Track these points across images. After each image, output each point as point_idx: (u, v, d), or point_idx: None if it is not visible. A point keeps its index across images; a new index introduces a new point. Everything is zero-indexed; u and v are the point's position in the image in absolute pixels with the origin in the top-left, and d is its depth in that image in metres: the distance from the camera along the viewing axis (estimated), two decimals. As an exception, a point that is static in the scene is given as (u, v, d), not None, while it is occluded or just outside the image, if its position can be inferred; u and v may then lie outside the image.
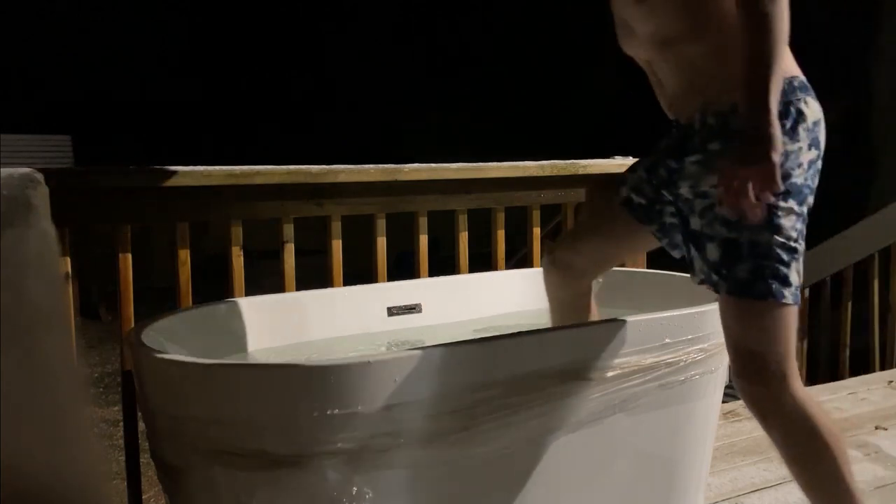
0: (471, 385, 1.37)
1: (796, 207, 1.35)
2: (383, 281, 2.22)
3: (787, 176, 1.33)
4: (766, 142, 1.24)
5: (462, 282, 2.26)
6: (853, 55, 7.92)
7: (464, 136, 9.02)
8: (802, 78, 1.41)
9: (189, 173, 1.94)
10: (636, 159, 1.69)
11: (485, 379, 1.39)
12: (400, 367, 1.32)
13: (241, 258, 2.04)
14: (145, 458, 1.67)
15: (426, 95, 10.39)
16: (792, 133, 1.34)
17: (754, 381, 1.38)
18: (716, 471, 2.19)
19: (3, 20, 8.81)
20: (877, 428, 2.57)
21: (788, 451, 1.42)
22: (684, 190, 1.46)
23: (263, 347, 1.87)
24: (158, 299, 1.99)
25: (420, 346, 2.01)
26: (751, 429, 2.55)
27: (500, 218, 2.44)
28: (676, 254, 1.63)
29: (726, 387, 1.80)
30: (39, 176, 1.38)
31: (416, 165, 2.21)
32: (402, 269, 2.33)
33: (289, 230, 2.09)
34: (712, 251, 1.39)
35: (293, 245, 2.10)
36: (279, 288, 2.05)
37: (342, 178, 2.10)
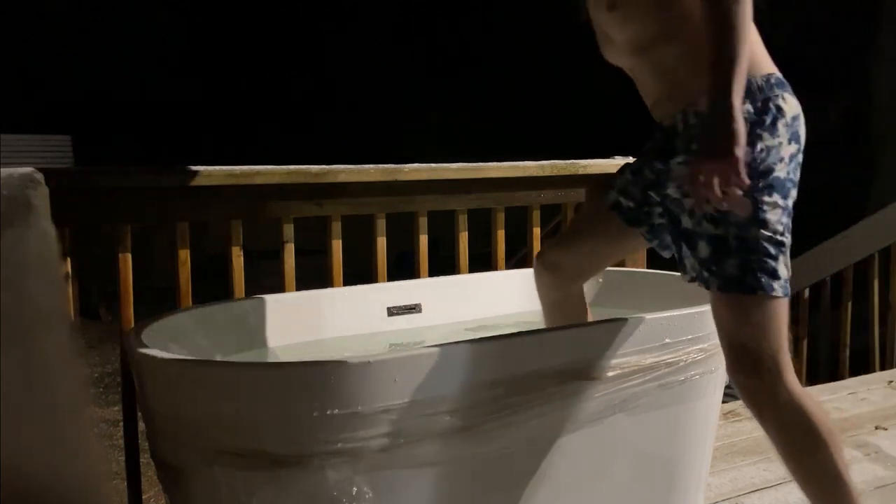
0: (471, 385, 1.38)
1: (780, 201, 1.37)
2: (383, 281, 2.22)
3: (769, 171, 1.36)
4: (729, 136, 1.26)
5: (462, 282, 2.26)
6: (853, 55, 7.93)
7: (464, 136, 9.02)
8: (779, 75, 1.43)
9: (189, 173, 1.94)
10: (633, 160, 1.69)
11: (485, 379, 1.39)
12: (400, 367, 1.32)
13: (241, 258, 2.04)
14: (145, 458, 1.67)
15: (426, 95, 10.40)
16: (772, 129, 1.37)
17: (748, 374, 1.40)
18: (716, 471, 2.19)
19: (3, 20, 8.81)
20: (877, 428, 2.57)
21: (784, 443, 1.43)
22: (672, 190, 1.48)
23: (263, 347, 1.87)
24: (158, 299, 1.99)
25: (420, 346, 2.01)
26: (751, 429, 2.55)
27: (500, 218, 2.44)
28: (666, 254, 1.65)
29: (726, 387, 1.80)
30: (39, 176, 1.38)
31: (416, 165, 2.21)
32: (402, 269, 2.33)
33: (289, 230, 2.09)
34: (702, 249, 1.41)
35: (293, 245, 2.10)
36: (279, 288, 2.05)
37: (342, 178, 2.10)
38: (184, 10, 10.51)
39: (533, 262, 1.75)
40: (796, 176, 1.41)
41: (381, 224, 2.24)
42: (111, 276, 1.87)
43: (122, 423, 1.88)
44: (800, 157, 1.42)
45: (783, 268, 1.38)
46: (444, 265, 2.41)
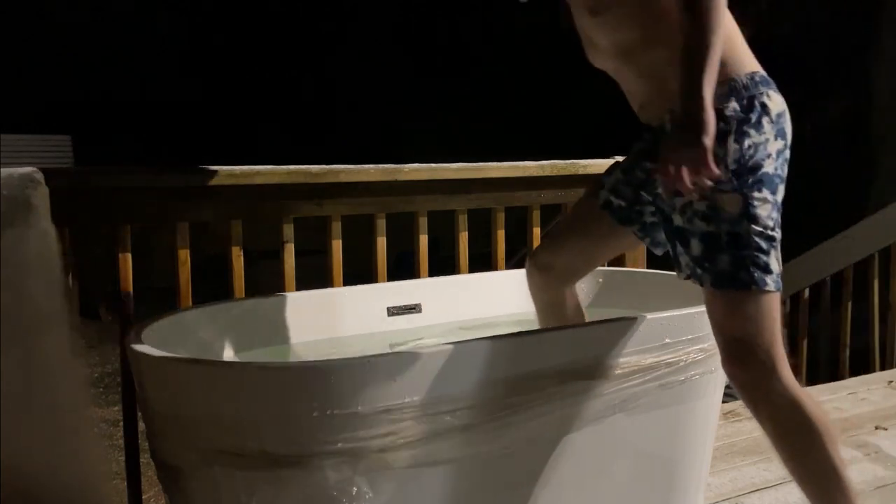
0: (471, 385, 1.38)
1: (770, 197, 1.39)
2: (383, 281, 2.22)
3: (758, 167, 1.38)
4: (699, 126, 1.27)
5: (462, 282, 2.26)
6: (853, 55, 7.92)
7: (464, 136, 9.02)
8: (763, 73, 1.45)
9: (189, 173, 1.94)
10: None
11: (485, 379, 1.39)
12: (400, 367, 1.32)
13: (241, 258, 2.04)
14: (145, 458, 1.67)
15: (426, 95, 10.39)
16: (758, 126, 1.39)
17: (743, 368, 1.41)
18: (716, 471, 2.19)
19: (3, 20, 8.81)
20: (877, 428, 2.57)
21: (780, 437, 1.43)
22: (662, 189, 1.48)
23: (264, 347, 1.87)
24: (158, 299, 1.99)
25: (420, 346, 2.01)
26: (751, 429, 2.54)
27: (500, 218, 2.44)
28: (659, 251, 1.67)
29: (726, 387, 1.80)
30: (39, 176, 1.38)
31: (416, 165, 2.21)
32: (402, 269, 2.33)
33: (289, 230, 2.09)
34: (695, 246, 1.42)
35: (293, 245, 2.10)
36: (279, 288, 2.05)
37: (342, 178, 2.10)
38: (184, 10, 10.51)
39: (525, 263, 1.77)
40: (784, 172, 1.43)
41: (381, 224, 2.24)
42: (111, 276, 1.87)
43: (122, 423, 1.88)
44: (787, 154, 1.44)
45: (775, 262, 1.40)
46: (444, 265, 2.41)
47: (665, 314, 1.59)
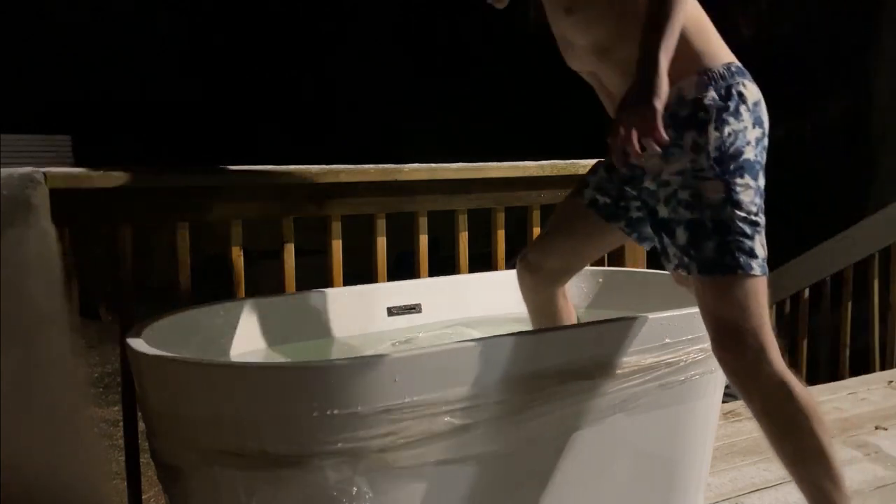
0: (471, 385, 1.37)
1: (752, 182, 1.41)
2: (383, 281, 2.22)
3: (739, 153, 1.40)
4: (651, 89, 1.29)
5: (462, 282, 2.26)
6: (853, 55, 7.92)
7: (464, 136, 9.02)
8: (738, 64, 1.47)
9: (189, 173, 1.94)
10: None
11: (484, 379, 1.39)
12: (400, 367, 1.32)
13: (241, 258, 2.04)
14: (145, 458, 1.67)
15: (426, 95, 10.39)
16: (736, 114, 1.41)
17: (732, 351, 1.42)
18: (716, 471, 2.19)
19: (3, 20, 8.82)
20: (877, 428, 2.57)
21: (768, 420, 1.44)
22: (648, 182, 1.51)
23: (263, 347, 1.87)
24: (158, 299, 1.98)
25: (420, 346, 2.01)
26: (751, 429, 2.54)
27: (500, 218, 2.44)
28: (646, 246, 1.69)
29: (726, 387, 1.80)
30: (39, 176, 1.38)
31: (416, 165, 2.21)
32: (402, 269, 2.33)
33: (289, 230, 2.09)
34: (680, 235, 1.44)
35: (293, 245, 2.10)
36: (279, 288, 2.05)
37: (342, 178, 2.10)
38: (184, 10, 10.52)
39: (516, 265, 1.78)
40: (763, 159, 1.46)
41: (381, 224, 2.24)
42: (111, 276, 1.87)
43: (122, 423, 1.88)
44: (765, 142, 1.47)
45: (760, 247, 1.41)
46: (444, 265, 2.41)
47: (665, 314, 1.59)
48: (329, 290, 2.06)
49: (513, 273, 2.17)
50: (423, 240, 2.31)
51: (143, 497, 1.90)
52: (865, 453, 2.36)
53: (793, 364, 3.69)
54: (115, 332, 1.80)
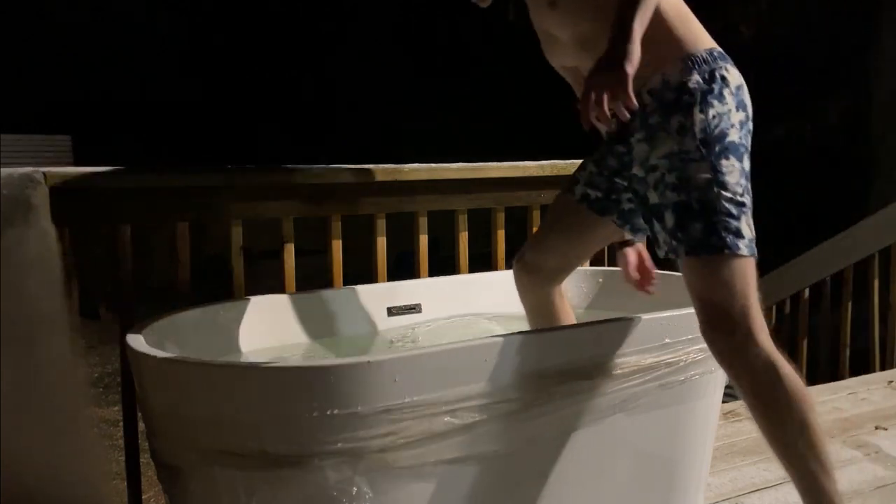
0: (470, 385, 1.37)
1: (737, 164, 1.43)
2: (383, 281, 2.22)
3: (723, 135, 1.42)
4: (623, 54, 1.31)
5: (462, 282, 2.26)
6: (853, 55, 7.92)
7: (464, 136, 9.02)
8: (720, 49, 1.50)
9: (189, 173, 1.94)
10: None
11: (484, 379, 1.39)
12: (400, 367, 1.32)
13: (241, 258, 2.04)
14: (145, 458, 1.67)
15: (426, 95, 10.40)
16: (720, 97, 1.44)
17: (719, 330, 1.42)
18: (716, 471, 2.19)
19: (3, 20, 8.81)
20: (877, 428, 2.57)
21: (756, 400, 1.44)
22: (636, 169, 1.52)
23: (263, 347, 1.87)
24: (158, 299, 1.99)
25: (420, 346, 2.01)
26: (751, 429, 2.54)
27: (500, 218, 2.44)
28: (639, 237, 1.72)
29: (726, 387, 1.80)
30: (39, 176, 1.38)
31: (416, 165, 2.21)
32: (402, 269, 2.33)
33: (289, 230, 2.09)
34: (668, 218, 1.45)
35: (293, 245, 2.10)
36: (279, 288, 2.05)
37: (342, 178, 2.10)
38: (184, 10, 10.52)
39: (513, 266, 1.78)
40: (748, 142, 1.47)
41: (381, 224, 2.24)
42: (111, 276, 1.87)
43: (122, 423, 1.88)
44: (749, 126, 1.48)
45: (746, 227, 1.42)
46: (444, 265, 2.41)
47: (665, 314, 1.59)
48: (329, 290, 2.06)
49: (512, 273, 2.17)
50: (423, 240, 2.31)
51: (143, 497, 1.90)
52: (865, 453, 2.36)
53: (792, 364, 3.69)
54: (115, 332, 1.79)
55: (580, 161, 2.45)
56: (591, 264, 2.51)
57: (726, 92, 1.44)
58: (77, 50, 9.49)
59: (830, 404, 2.81)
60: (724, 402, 1.87)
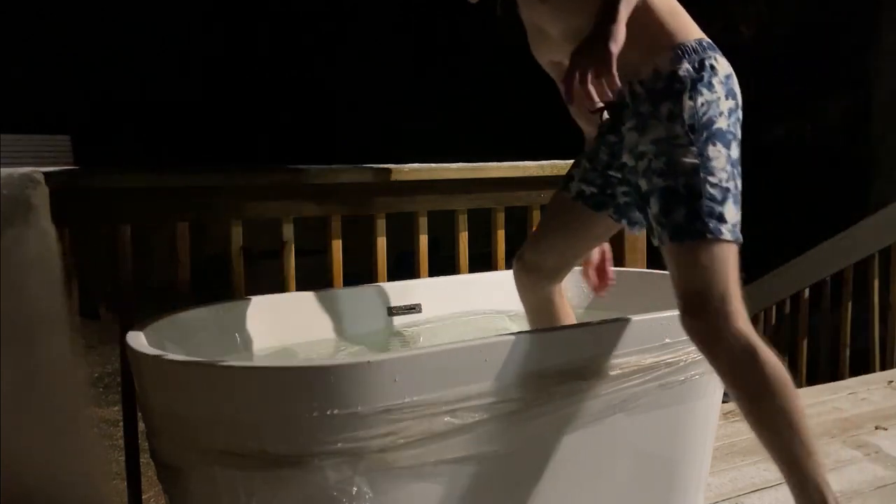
0: (470, 385, 1.37)
1: (723, 150, 1.44)
2: (383, 281, 2.22)
3: (711, 122, 1.44)
4: (608, 34, 1.32)
5: (462, 282, 2.26)
6: (853, 55, 7.92)
7: (464, 136, 9.02)
8: (709, 40, 1.53)
9: (189, 173, 1.94)
10: None
11: (484, 379, 1.39)
12: (400, 367, 1.32)
13: (241, 258, 2.04)
14: (145, 458, 1.67)
15: (426, 95, 10.39)
16: (709, 85, 1.46)
17: (699, 317, 1.42)
18: (716, 471, 2.19)
19: (3, 20, 8.81)
20: (877, 428, 2.57)
21: (736, 385, 1.44)
22: (626, 158, 1.54)
23: (264, 347, 1.87)
24: (158, 299, 1.99)
25: (420, 346, 2.01)
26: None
27: (500, 218, 2.44)
28: (636, 231, 1.72)
29: (726, 387, 1.80)
30: (39, 176, 1.38)
31: (416, 165, 2.21)
32: (402, 269, 2.33)
33: (289, 230, 2.09)
34: (654, 204, 1.47)
35: (293, 245, 2.10)
36: (279, 288, 2.05)
37: (342, 178, 2.10)
38: (184, 10, 10.51)
39: (513, 266, 1.79)
40: (737, 130, 1.49)
41: (381, 224, 2.24)
42: (111, 276, 1.87)
43: (122, 423, 1.88)
44: (739, 114, 1.50)
45: (730, 213, 1.43)
46: (444, 265, 2.41)
47: (665, 314, 1.59)
48: (329, 290, 2.06)
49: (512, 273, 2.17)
50: (423, 240, 2.31)
51: (143, 497, 1.90)
52: (865, 453, 2.36)
53: (793, 364, 3.70)
54: (115, 332, 1.79)
55: (580, 160, 2.46)
56: (591, 264, 2.51)
57: (715, 80, 1.47)
58: (77, 50, 9.49)
59: (830, 404, 2.81)
60: (724, 402, 1.87)
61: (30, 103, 8.74)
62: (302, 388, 1.28)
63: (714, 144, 1.43)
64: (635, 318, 1.55)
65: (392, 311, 2.07)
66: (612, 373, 1.52)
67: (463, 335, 1.97)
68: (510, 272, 1.81)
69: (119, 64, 9.78)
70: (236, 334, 1.84)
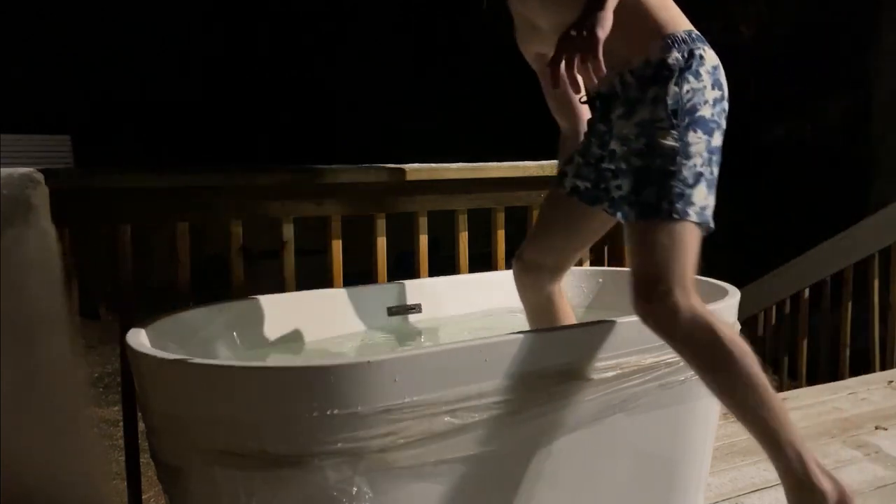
0: (470, 385, 1.37)
1: (704, 137, 1.47)
2: (383, 281, 2.22)
3: (694, 109, 1.47)
4: (595, 19, 1.34)
5: (462, 282, 2.26)
6: (853, 55, 7.92)
7: (464, 136, 9.02)
8: (698, 32, 1.56)
9: (189, 173, 1.94)
10: None
11: (484, 379, 1.39)
12: (400, 367, 1.32)
13: (241, 258, 2.04)
14: (145, 458, 1.67)
15: (426, 95, 10.39)
16: (696, 74, 1.49)
17: (651, 299, 1.42)
18: (716, 471, 2.19)
19: (3, 20, 8.81)
20: (877, 428, 2.57)
21: (697, 361, 1.45)
22: (614, 144, 1.57)
23: (264, 347, 1.87)
24: (158, 299, 1.99)
25: (420, 346, 2.01)
26: (751, 429, 2.54)
27: (500, 218, 2.44)
28: None
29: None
30: (39, 176, 1.38)
31: (416, 165, 2.21)
32: (402, 269, 2.33)
33: (289, 230, 2.09)
34: (626, 183, 1.50)
35: (293, 245, 2.10)
36: (279, 288, 2.05)
37: (342, 178, 2.10)
38: (184, 10, 10.51)
39: (513, 265, 1.79)
40: (721, 120, 1.51)
41: (381, 224, 2.24)
42: (111, 276, 1.87)
43: (122, 423, 1.88)
44: (724, 105, 1.53)
45: (700, 195, 1.45)
46: (444, 265, 2.41)
47: (665, 314, 1.59)
48: (329, 290, 2.06)
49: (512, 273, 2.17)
50: (423, 240, 2.31)
51: (143, 497, 1.90)
52: (865, 453, 2.36)
53: (793, 364, 3.70)
54: (115, 332, 1.80)
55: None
56: (591, 264, 2.52)
57: (703, 70, 1.50)
58: (77, 50, 9.49)
59: (830, 404, 2.81)
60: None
61: (30, 103, 8.74)
62: (302, 388, 1.28)
63: (695, 131, 1.46)
64: (636, 318, 1.55)
65: (392, 311, 2.07)
66: (612, 373, 1.52)
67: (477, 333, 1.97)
68: (510, 272, 1.81)
69: (119, 64, 9.77)
70: (236, 334, 1.84)
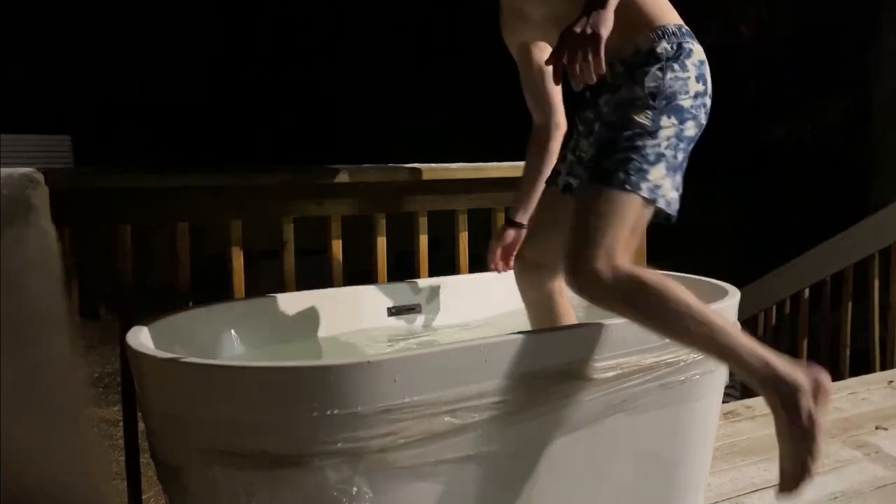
0: (470, 385, 1.37)
1: (677, 125, 1.49)
2: (383, 281, 2.22)
3: (673, 96, 1.50)
4: (598, 19, 1.36)
5: (462, 282, 2.26)
6: (853, 55, 7.92)
7: (464, 136, 9.01)
8: (687, 28, 1.59)
9: (189, 173, 1.94)
10: None
11: (484, 379, 1.39)
12: (400, 367, 1.32)
13: (241, 258, 2.04)
14: (145, 458, 1.67)
15: (426, 95, 10.38)
16: (682, 64, 1.53)
17: (575, 272, 1.43)
18: (716, 471, 2.19)
19: (3, 20, 8.81)
20: (877, 428, 2.57)
21: (639, 313, 1.45)
22: (598, 128, 1.61)
23: (264, 347, 1.87)
24: (158, 299, 1.99)
25: (420, 346, 2.01)
26: (751, 429, 2.55)
27: (501, 218, 2.43)
28: None
29: (726, 387, 1.80)
30: (39, 176, 1.38)
31: (416, 165, 2.22)
32: (402, 269, 2.33)
33: (289, 230, 2.09)
34: (591, 151, 1.53)
35: (293, 245, 2.10)
36: (279, 288, 2.05)
37: (342, 178, 2.10)
38: (184, 10, 10.51)
39: (513, 265, 1.79)
40: (699, 114, 1.54)
41: (381, 224, 2.24)
42: (111, 276, 1.87)
43: (122, 423, 1.88)
44: (706, 101, 1.56)
45: (657, 176, 1.46)
46: (444, 265, 2.41)
47: (665, 314, 1.59)
48: (329, 290, 2.06)
49: (512, 273, 2.17)
50: (423, 240, 2.31)
51: (143, 497, 1.90)
52: (865, 453, 2.36)
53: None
54: (115, 332, 1.80)
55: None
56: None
57: (689, 62, 1.53)
58: (77, 50, 9.48)
59: (831, 404, 2.81)
60: (724, 402, 1.87)
61: (30, 103, 8.73)
62: (302, 388, 1.28)
63: (669, 116, 1.49)
64: (635, 318, 1.55)
65: (392, 311, 2.07)
66: (612, 373, 1.52)
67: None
68: (510, 272, 1.81)
69: (119, 64, 9.76)
70: (236, 334, 1.84)
